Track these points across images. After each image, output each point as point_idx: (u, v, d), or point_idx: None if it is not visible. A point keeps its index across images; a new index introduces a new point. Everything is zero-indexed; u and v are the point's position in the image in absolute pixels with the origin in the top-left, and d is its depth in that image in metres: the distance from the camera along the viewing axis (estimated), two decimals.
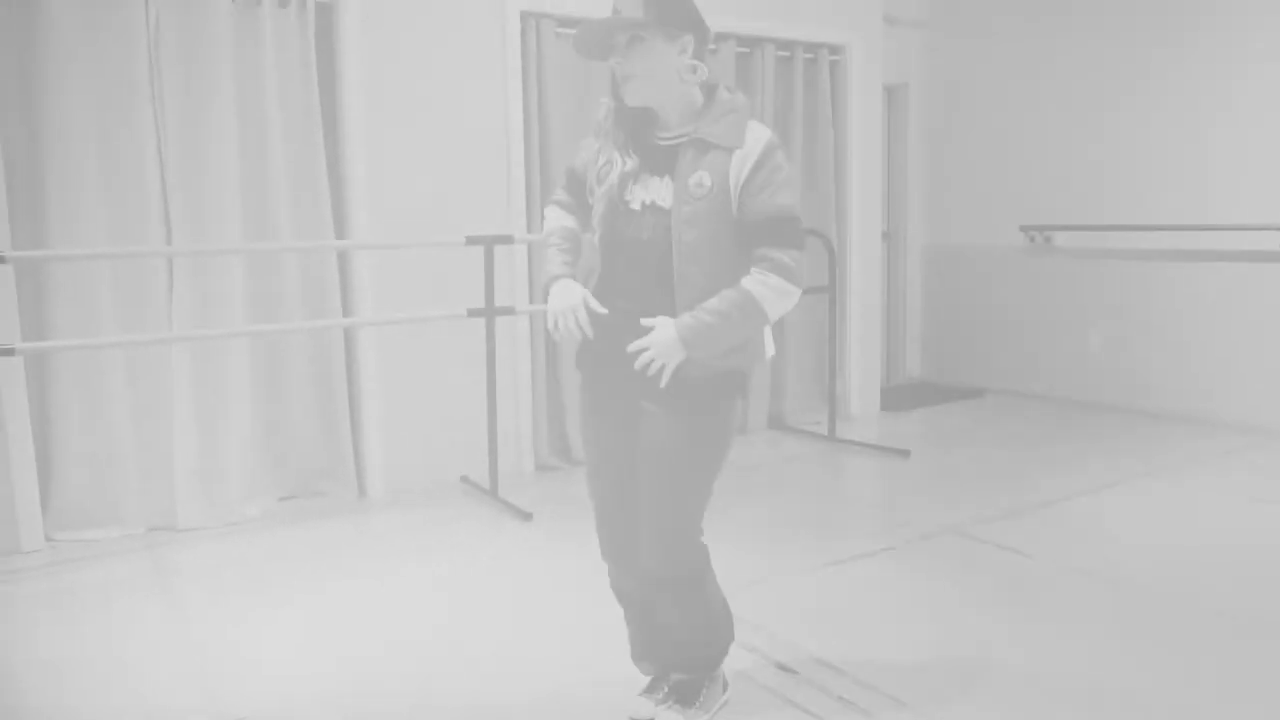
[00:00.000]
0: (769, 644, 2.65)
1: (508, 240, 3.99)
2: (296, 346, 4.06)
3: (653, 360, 1.92)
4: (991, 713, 2.31)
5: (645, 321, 1.94)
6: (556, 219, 2.19)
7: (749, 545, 3.45)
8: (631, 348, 1.94)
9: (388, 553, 3.54)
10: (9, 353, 3.10)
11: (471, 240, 3.89)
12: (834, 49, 5.40)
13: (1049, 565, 3.26)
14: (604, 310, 2.00)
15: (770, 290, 1.93)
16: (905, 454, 4.73)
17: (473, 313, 3.93)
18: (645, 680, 2.31)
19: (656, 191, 1.99)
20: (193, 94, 3.72)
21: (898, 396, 6.09)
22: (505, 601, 3.05)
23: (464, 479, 4.33)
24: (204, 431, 3.83)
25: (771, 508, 3.94)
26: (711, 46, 2.07)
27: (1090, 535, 3.57)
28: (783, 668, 2.53)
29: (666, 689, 2.26)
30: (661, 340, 1.92)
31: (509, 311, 4.07)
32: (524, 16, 4.36)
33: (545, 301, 2.07)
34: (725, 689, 2.32)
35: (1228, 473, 4.39)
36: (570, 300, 1.99)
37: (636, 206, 2.01)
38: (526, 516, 3.81)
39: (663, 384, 1.95)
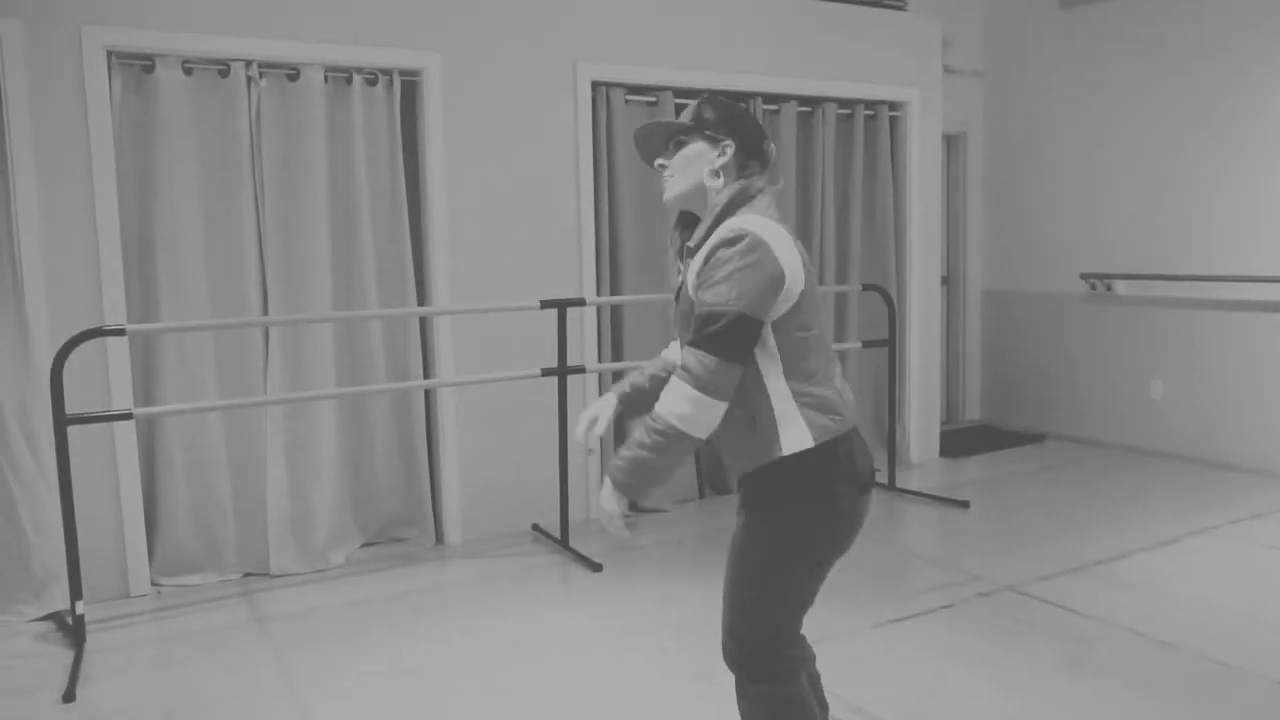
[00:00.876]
0: (830, 705, 2.77)
1: (579, 303, 4.20)
2: (380, 404, 4.30)
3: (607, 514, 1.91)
4: None
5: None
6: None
7: None
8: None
9: (464, 600, 3.74)
10: (127, 417, 3.38)
11: (546, 304, 4.10)
12: (894, 105, 5.53)
13: (1107, 628, 3.33)
14: (597, 439, 2.15)
15: (681, 401, 1.79)
16: (965, 505, 4.81)
17: (546, 372, 4.13)
18: None
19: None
20: (289, 169, 4.00)
21: (957, 442, 6.15)
22: (577, 651, 3.22)
23: (535, 527, 4.52)
24: (295, 484, 4.09)
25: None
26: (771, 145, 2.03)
27: (1149, 595, 3.62)
28: None
29: None
30: (602, 497, 1.90)
31: (580, 370, 4.27)
32: (595, 86, 4.58)
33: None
34: None
35: None
36: (593, 407, 2.17)
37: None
38: (597, 567, 3.99)
39: (612, 529, 1.92)
